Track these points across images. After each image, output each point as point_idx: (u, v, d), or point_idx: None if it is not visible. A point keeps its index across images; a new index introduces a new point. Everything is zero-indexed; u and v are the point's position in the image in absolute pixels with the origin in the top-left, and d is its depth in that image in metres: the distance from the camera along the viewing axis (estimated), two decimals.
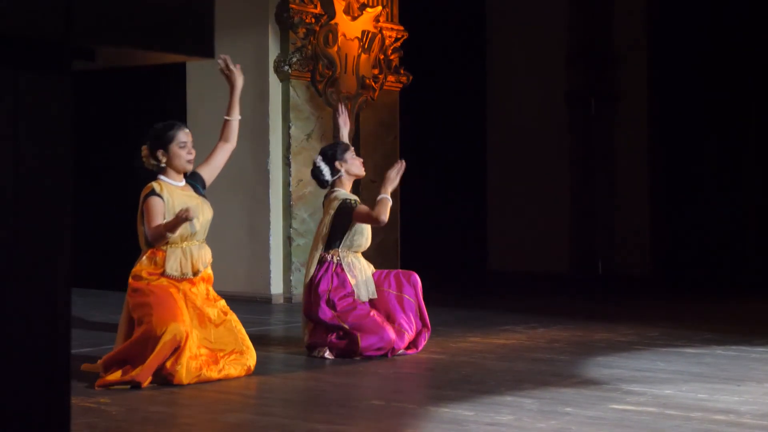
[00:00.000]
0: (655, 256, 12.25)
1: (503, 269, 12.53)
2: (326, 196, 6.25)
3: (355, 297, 6.04)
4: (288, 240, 9.20)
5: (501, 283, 11.41)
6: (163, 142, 5.39)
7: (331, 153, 6.21)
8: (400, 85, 10.24)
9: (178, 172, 5.43)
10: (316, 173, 6.23)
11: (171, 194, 5.35)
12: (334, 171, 6.19)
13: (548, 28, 12.43)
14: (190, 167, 5.45)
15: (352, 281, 6.05)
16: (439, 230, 12.34)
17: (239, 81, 5.66)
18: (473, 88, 12.94)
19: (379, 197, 6.01)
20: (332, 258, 6.09)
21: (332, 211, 6.11)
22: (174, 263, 5.28)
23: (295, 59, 9.16)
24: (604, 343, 6.56)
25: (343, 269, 6.06)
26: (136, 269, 5.30)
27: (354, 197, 6.16)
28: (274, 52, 9.24)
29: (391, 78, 10.09)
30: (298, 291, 8.89)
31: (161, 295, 5.17)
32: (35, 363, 1.82)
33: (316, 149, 9.33)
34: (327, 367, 5.67)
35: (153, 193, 5.31)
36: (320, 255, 6.11)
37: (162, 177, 5.40)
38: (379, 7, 9.90)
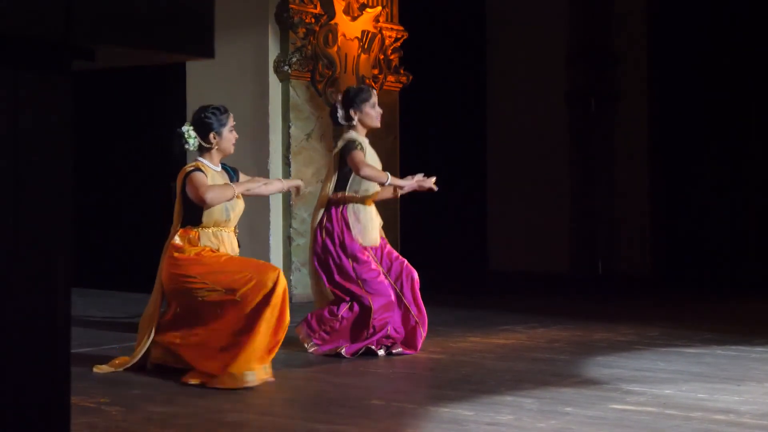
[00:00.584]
0: (655, 256, 12.24)
1: (503, 269, 12.52)
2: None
3: (359, 243, 6.01)
4: (288, 240, 9.19)
5: (501, 283, 11.40)
6: (217, 125, 5.43)
7: (351, 97, 6.09)
8: (400, 85, 10.24)
9: (224, 154, 5.50)
10: (333, 112, 6.18)
11: (210, 176, 5.40)
12: (347, 117, 6.09)
13: (548, 28, 12.42)
14: (232, 150, 5.53)
15: (354, 229, 6.00)
16: (439, 230, 12.33)
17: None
18: (473, 88, 12.93)
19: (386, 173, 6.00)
20: (338, 202, 6.03)
21: (336, 150, 6.07)
22: (206, 243, 5.35)
23: (295, 59, 9.15)
24: (604, 343, 6.55)
25: (347, 215, 6.01)
26: (175, 244, 5.32)
27: (360, 142, 6.02)
28: (274, 52, 9.24)
29: (391, 78, 10.08)
30: (298, 291, 8.89)
31: (230, 257, 5.30)
32: (35, 363, 1.82)
33: (316, 149, 9.36)
34: (327, 367, 5.67)
35: (197, 170, 5.37)
36: (328, 197, 6.05)
37: (201, 159, 5.45)
38: (379, 7, 9.90)
